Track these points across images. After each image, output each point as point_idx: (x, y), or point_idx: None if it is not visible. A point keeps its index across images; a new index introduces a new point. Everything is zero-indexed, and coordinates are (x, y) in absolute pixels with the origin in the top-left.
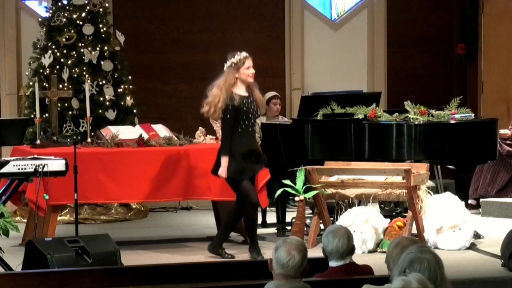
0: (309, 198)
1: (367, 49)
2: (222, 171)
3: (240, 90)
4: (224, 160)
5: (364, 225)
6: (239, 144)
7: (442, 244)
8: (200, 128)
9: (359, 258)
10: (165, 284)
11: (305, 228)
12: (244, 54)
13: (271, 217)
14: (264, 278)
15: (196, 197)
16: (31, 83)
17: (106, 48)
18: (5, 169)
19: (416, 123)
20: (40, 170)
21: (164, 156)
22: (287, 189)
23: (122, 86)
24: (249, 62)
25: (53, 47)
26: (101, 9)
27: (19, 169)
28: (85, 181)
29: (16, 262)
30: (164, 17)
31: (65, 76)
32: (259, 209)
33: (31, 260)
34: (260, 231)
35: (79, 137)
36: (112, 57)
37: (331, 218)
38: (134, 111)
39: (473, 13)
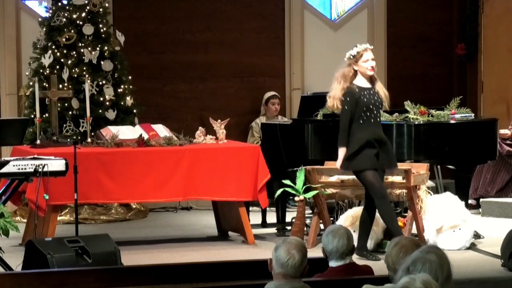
0: (309, 198)
1: None
2: (338, 163)
3: (361, 82)
4: (340, 152)
5: None
6: (361, 136)
7: (442, 244)
8: (200, 128)
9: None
10: (165, 284)
11: (305, 228)
12: (363, 46)
13: (271, 217)
14: (264, 278)
15: (196, 197)
16: (31, 83)
17: (106, 48)
18: (5, 169)
19: (416, 123)
20: (40, 170)
21: (164, 156)
22: (287, 189)
23: (122, 86)
24: (368, 55)
25: (53, 47)
26: (101, 9)
27: (19, 169)
28: (85, 181)
29: (16, 262)
30: (164, 17)
31: (65, 76)
32: (259, 209)
33: (31, 260)
34: (260, 231)
35: (79, 137)
36: (112, 57)
37: (331, 218)
38: (134, 111)
39: (473, 13)
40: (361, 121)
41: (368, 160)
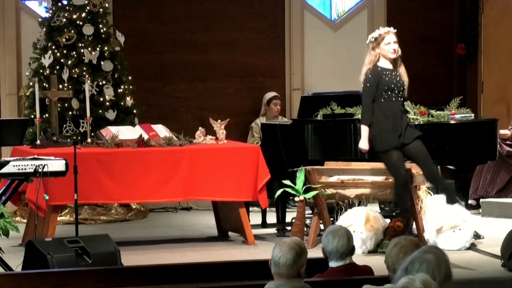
0: (309, 198)
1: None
2: (362, 143)
3: (384, 64)
4: (364, 130)
5: (364, 225)
6: (380, 115)
7: (442, 244)
8: (200, 128)
9: (359, 258)
10: (165, 284)
11: (305, 228)
12: (385, 29)
13: (271, 217)
14: (264, 278)
15: (196, 197)
16: (31, 84)
17: (106, 48)
18: (5, 170)
19: (416, 123)
20: (40, 170)
21: (164, 156)
22: (287, 189)
23: (122, 86)
24: (390, 38)
25: (53, 47)
26: (101, 9)
27: (19, 169)
28: (85, 182)
29: (16, 262)
30: (164, 17)
31: (65, 76)
32: (259, 209)
33: (31, 260)
34: (260, 231)
35: (79, 138)
36: (112, 57)
37: (331, 218)
38: (134, 111)
39: (473, 13)
40: (382, 100)
41: (388, 141)
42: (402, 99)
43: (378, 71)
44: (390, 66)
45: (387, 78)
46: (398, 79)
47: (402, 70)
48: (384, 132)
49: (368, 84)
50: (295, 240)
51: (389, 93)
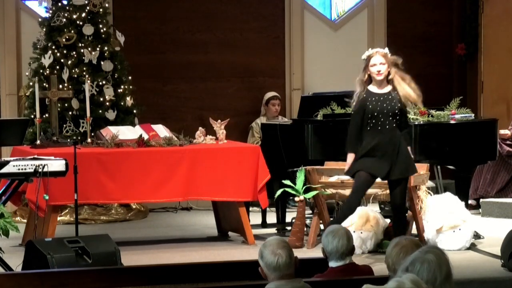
0: (309, 198)
1: (367, 49)
2: (346, 168)
3: (374, 87)
4: (348, 158)
5: (364, 225)
6: (364, 142)
7: (442, 244)
8: (200, 128)
9: (359, 258)
10: (165, 284)
11: (305, 228)
12: (371, 51)
13: (271, 217)
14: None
15: (196, 197)
16: (31, 84)
17: (106, 48)
18: (5, 170)
19: (416, 123)
20: (40, 170)
21: (164, 156)
22: (287, 189)
23: (122, 86)
24: (375, 59)
25: (53, 47)
26: (101, 9)
27: (19, 169)
28: (85, 182)
29: (16, 262)
30: (164, 17)
31: (65, 76)
32: (259, 209)
33: (31, 260)
34: (260, 231)
35: (79, 138)
36: (112, 57)
37: (331, 218)
38: (134, 111)
39: (473, 13)
40: (368, 128)
41: (363, 165)
42: (396, 124)
43: (364, 98)
44: (382, 90)
45: (371, 105)
46: (387, 103)
47: (400, 89)
48: (367, 160)
49: (353, 112)
50: (278, 238)
51: (374, 120)
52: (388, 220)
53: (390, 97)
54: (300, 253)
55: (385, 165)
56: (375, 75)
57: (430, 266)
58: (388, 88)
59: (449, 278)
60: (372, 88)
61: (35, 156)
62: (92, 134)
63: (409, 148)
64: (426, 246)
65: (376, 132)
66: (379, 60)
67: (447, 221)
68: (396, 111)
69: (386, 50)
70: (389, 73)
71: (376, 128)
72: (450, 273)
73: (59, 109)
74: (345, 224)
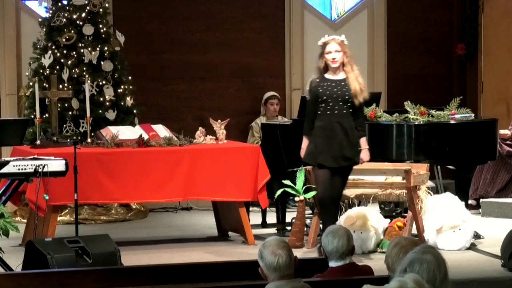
0: (309, 198)
1: (367, 49)
2: (301, 152)
3: (330, 73)
4: (303, 141)
5: (364, 225)
6: (318, 129)
7: (442, 244)
8: (200, 128)
9: (359, 258)
10: (165, 284)
11: (305, 228)
12: (326, 38)
13: (271, 217)
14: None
15: (196, 197)
16: (31, 84)
17: (106, 48)
18: (5, 169)
19: (416, 123)
20: (40, 170)
21: (164, 156)
22: (287, 189)
23: (122, 86)
24: (330, 47)
25: (53, 47)
26: (101, 10)
27: (19, 169)
28: (85, 182)
29: (16, 262)
30: (164, 17)
31: (65, 76)
32: (259, 209)
33: (31, 260)
34: (260, 231)
35: (79, 138)
36: (112, 58)
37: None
38: (134, 111)
39: (473, 14)
40: (319, 112)
41: (316, 157)
42: (347, 111)
43: (316, 83)
44: (336, 76)
45: (321, 90)
46: (338, 88)
47: (351, 78)
48: (316, 147)
49: (306, 97)
50: (277, 238)
51: (324, 105)
52: (388, 220)
53: (343, 83)
54: (300, 253)
55: (331, 153)
56: (330, 62)
57: (429, 266)
58: (342, 75)
59: (447, 277)
60: (328, 74)
61: (35, 156)
62: (92, 134)
63: (364, 138)
64: (421, 246)
65: (325, 116)
66: (335, 47)
67: (447, 221)
68: (347, 97)
69: (343, 37)
70: (346, 62)
71: (325, 112)
72: (447, 272)
73: (59, 109)
74: (345, 224)
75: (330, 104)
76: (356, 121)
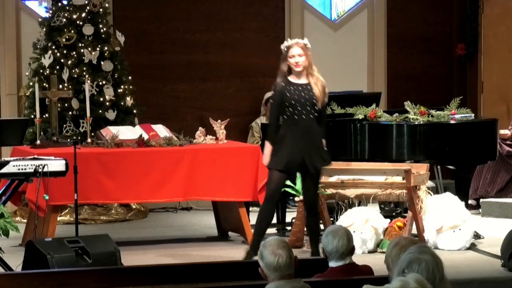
0: None
1: (367, 49)
2: (263, 158)
3: (294, 77)
4: (265, 147)
5: (364, 225)
6: (284, 132)
7: (442, 244)
8: (200, 128)
9: (359, 258)
10: (165, 284)
11: (305, 228)
12: (289, 42)
13: None
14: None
15: (196, 197)
16: (31, 83)
17: (106, 48)
18: (5, 169)
19: (416, 123)
20: (40, 170)
21: (164, 156)
22: (287, 189)
23: (122, 87)
24: (294, 51)
25: (53, 47)
26: (101, 10)
27: (19, 169)
28: (85, 182)
29: (16, 262)
30: (164, 17)
31: (65, 76)
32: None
33: (31, 260)
34: None
35: (79, 138)
36: (112, 57)
37: (331, 218)
38: (134, 111)
39: (473, 13)
40: (285, 117)
41: (277, 161)
42: (313, 116)
43: (282, 86)
44: (300, 80)
45: (289, 94)
46: (306, 93)
47: (313, 81)
48: (280, 151)
49: (271, 101)
50: (277, 238)
51: (291, 110)
52: (388, 220)
53: (308, 87)
54: (300, 253)
55: (298, 157)
56: (293, 66)
57: (428, 266)
58: (306, 80)
59: (444, 276)
60: (292, 78)
61: (35, 156)
62: (92, 134)
63: (323, 141)
64: (416, 246)
65: (292, 122)
66: (298, 51)
67: (447, 221)
68: (314, 101)
69: (306, 41)
70: (309, 65)
71: (293, 117)
72: (444, 271)
73: (59, 109)
74: (345, 224)
75: (298, 108)
76: (319, 124)
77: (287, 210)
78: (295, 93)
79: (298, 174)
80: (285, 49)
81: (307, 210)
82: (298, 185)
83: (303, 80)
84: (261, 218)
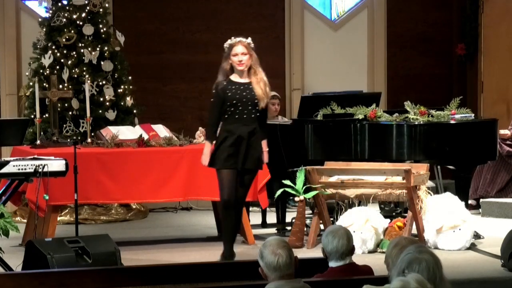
0: (309, 198)
1: (367, 49)
2: (202, 158)
3: (236, 76)
4: (205, 146)
5: (364, 225)
6: (223, 132)
7: (442, 244)
8: (200, 128)
9: (359, 258)
10: (165, 284)
11: (305, 228)
12: (233, 40)
13: (271, 217)
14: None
15: (196, 197)
16: (31, 84)
17: (106, 48)
18: (5, 169)
19: (416, 123)
20: (40, 170)
21: (164, 156)
22: (287, 189)
23: (122, 86)
24: (237, 49)
25: (53, 47)
26: (101, 10)
27: (19, 169)
28: (85, 181)
29: (16, 262)
30: (164, 17)
31: (65, 76)
32: (259, 209)
33: (31, 260)
34: (260, 231)
35: (79, 137)
36: (112, 57)
37: (331, 218)
38: (134, 111)
39: (473, 13)
40: (226, 116)
41: (220, 160)
42: (255, 115)
43: (224, 85)
44: (243, 79)
45: (230, 93)
46: (248, 92)
47: (255, 81)
48: (221, 150)
49: (212, 99)
50: (278, 238)
51: (233, 109)
52: (388, 220)
53: (250, 87)
54: (300, 253)
55: (239, 156)
56: (236, 65)
57: (429, 265)
58: (248, 79)
59: (443, 275)
60: (234, 77)
61: (35, 156)
62: (92, 134)
63: (264, 142)
64: (414, 246)
65: (234, 121)
66: (241, 50)
67: (447, 221)
68: (256, 101)
69: (249, 40)
70: (251, 65)
71: (234, 116)
72: (442, 270)
73: (59, 109)
74: (345, 224)
75: (240, 108)
76: (261, 124)
77: (287, 210)
78: (237, 93)
79: (299, 174)
80: (228, 47)
81: (231, 208)
82: (298, 185)
83: (245, 79)
84: (226, 227)
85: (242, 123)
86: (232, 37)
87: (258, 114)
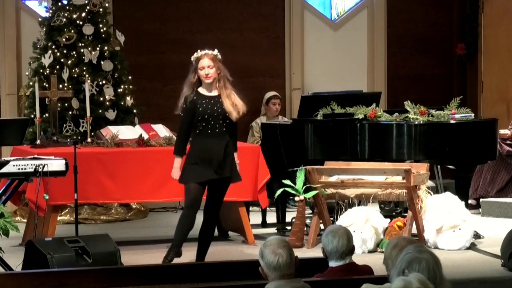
0: (309, 198)
1: (367, 49)
2: (173, 172)
3: (204, 89)
4: (175, 161)
5: (364, 225)
6: (193, 149)
7: (442, 244)
8: None
9: (359, 258)
10: (165, 284)
11: (305, 228)
12: (199, 53)
13: (271, 217)
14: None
15: None
16: (31, 83)
17: (106, 48)
18: (5, 169)
19: (416, 123)
20: (40, 170)
21: (164, 156)
22: (287, 189)
23: (122, 86)
24: (203, 62)
25: (53, 47)
26: (101, 9)
27: (19, 169)
28: (85, 181)
29: (16, 262)
30: (164, 17)
31: (65, 76)
32: (259, 209)
33: (31, 260)
34: (260, 231)
35: (79, 137)
36: (112, 57)
37: (331, 218)
38: (134, 111)
39: (473, 13)
40: (197, 131)
41: (193, 175)
42: (226, 129)
43: (193, 99)
44: (211, 93)
45: (201, 108)
46: (218, 106)
47: (224, 95)
48: (194, 166)
49: (181, 114)
50: (278, 238)
51: (204, 124)
52: (388, 220)
53: (220, 100)
54: (300, 253)
55: (211, 170)
56: (203, 78)
57: (429, 265)
58: (216, 92)
59: (443, 275)
60: (202, 90)
61: (35, 156)
62: (92, 134)
63: (235, 154)
64: (413, 246)
65: (205, 136)
66: (207, 63)
67: (447, 221)
68: (226, 114)
69: (215, 52)
70: (219, 77)
71: (206, 131)
72: (442, 269)
73: (59, 109)
74: (345, 224)
75: (211, 122)
76: (231, 136)
77: (287, 210)
78: (208, 107)
79: (299, 174)
80: (195, 60)
81: (205, 220)
82: (298, 184)
83: (214, 92)
84: (182, 225)
85: (213, 137)
86: (199, 50)
87: (228, 127)
